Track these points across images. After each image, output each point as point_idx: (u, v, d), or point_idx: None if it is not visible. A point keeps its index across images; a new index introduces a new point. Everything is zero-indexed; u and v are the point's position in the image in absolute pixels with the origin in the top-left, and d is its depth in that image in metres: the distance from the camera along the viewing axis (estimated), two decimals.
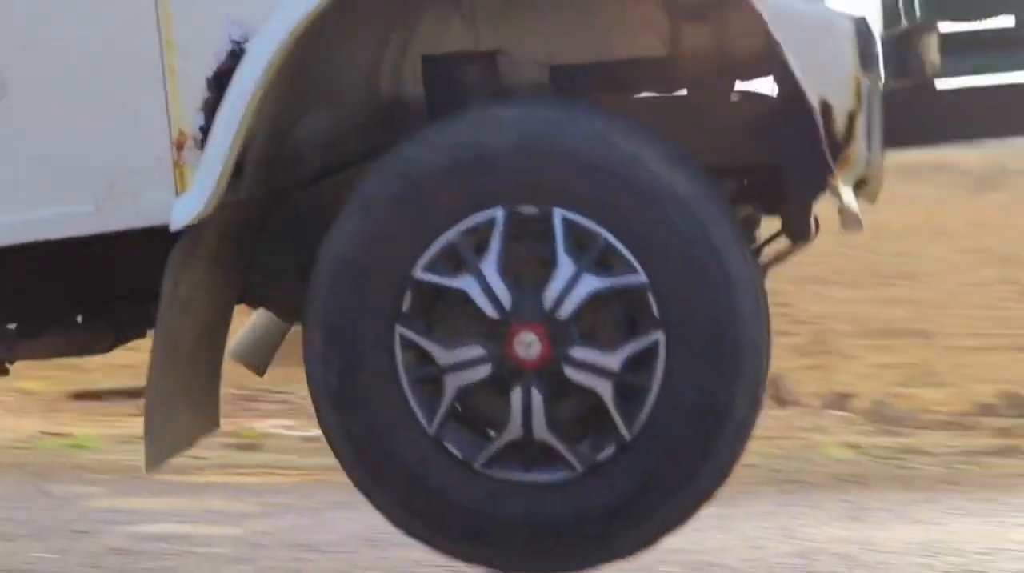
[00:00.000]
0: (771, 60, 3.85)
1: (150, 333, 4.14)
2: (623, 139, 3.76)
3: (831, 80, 3.80)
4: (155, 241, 3.88)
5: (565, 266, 3.75)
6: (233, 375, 4.62)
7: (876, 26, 4.35)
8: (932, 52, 4.30)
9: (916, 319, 10.08)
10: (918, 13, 4.56)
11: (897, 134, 4.25)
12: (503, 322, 3.76)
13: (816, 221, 4.09)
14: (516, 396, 3.77)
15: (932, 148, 4.57)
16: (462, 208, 3.78)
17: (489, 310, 3.77)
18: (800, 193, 4.02)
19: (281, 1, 3.80)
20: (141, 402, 4.01)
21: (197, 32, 3.85)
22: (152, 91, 3.86)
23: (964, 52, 4.30)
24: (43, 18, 3.88)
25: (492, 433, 3.83)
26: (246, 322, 4.90)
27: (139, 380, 4.32)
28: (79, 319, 4.31)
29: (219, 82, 3.85)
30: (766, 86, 4.14)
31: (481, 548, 3.86)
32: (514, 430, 3.77)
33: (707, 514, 3.91)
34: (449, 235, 3.79)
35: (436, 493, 3.82)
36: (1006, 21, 4.46)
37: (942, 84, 4.41)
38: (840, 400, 8.39)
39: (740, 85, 4.21)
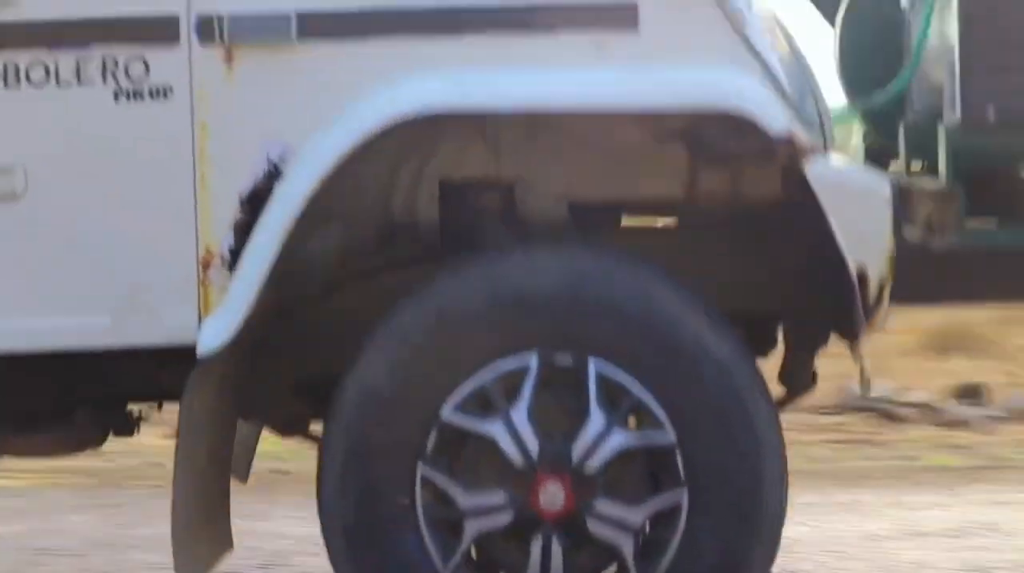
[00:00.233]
0: (804, 214, 3.79)
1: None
2: (666, 296, 3.71)
3: (870, 249, 3.81)
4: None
5: (596, 419, 3.69)
6: None
7: None
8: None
9: None
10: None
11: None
12: (529, 471, 3.69)
13: (815, 373, 4.07)
14: (536, 546, 3.68)
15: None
16: (496, 350, 3.70)
17: (516, 458, 3.69)
18: (809, 345, 4.04)
19: (326, 125, 3.68)
20: None
21: (234, 145, 3.73)
22: (181, 204, 3.72)
23: None
24: (70, 114, 3.72)
25: None
26: None
27: None
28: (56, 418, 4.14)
29: (252, 203, 3.72)
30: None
31: None
32: None
33: None
34: (481, 377, 3.70)
35: None
36: None
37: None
38: None
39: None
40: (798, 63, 4.04)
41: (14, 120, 3.71)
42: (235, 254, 3.71)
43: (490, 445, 3.69)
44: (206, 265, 3.73)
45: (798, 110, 3.89)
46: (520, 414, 3.68)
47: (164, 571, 4.34)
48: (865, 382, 3.87)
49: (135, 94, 3.71)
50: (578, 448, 3.68)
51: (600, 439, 3.68)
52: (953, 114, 4.24)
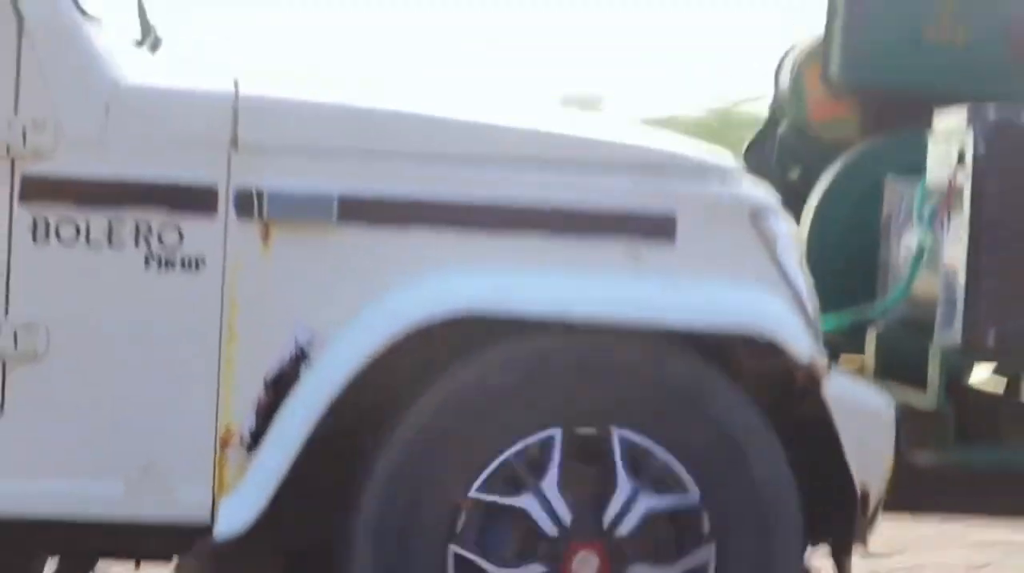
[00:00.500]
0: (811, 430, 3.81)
1: None
2: (683, 366, 3.71)
3: (873, 469, 3.85)
4: None
5: (624, 485, 3.68)
6: None
7: None
8: None
9: None
10: None
11: None
12: (562, 541, 3.67)
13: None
14: None
15: None
16: (520, 427, 3.66)
17: (549, 529, 3.67)
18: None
19: (359, 313, 3.62)
20: None
21: (263, 324, 3.62)
22: (204, 379, 3.60)
23: None
24: (98, 276, 3.59)
25: None
26: None
27: None
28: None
29: (277, 386, 3.62)
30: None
31: None
32: None
33: None
34: (506, 454, 3.65)
35: None
36: None
37: None
38: None
39: None
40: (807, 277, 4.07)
41: (41, 277, 3.58)
42: (255, 436, 3.60)
43: (521, 519, 3.66)
44: (224, 444, 3.61)
45: (817, 331, 3.90)
46: (550, 486, 3.66)
47: None
48: None
49: (167, 262, 3.60)
50: (608, 515, 3.68)
51: (629, 505, 3.68)
52: (950, 336, 4.31)
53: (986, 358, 4.39)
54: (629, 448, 3.67)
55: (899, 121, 5.62)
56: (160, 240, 3.61)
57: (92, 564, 4.07)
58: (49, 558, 4.16)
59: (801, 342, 3.73)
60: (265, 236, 3.63)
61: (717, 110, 16.20)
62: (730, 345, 3.78)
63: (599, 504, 3.67)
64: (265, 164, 3.63)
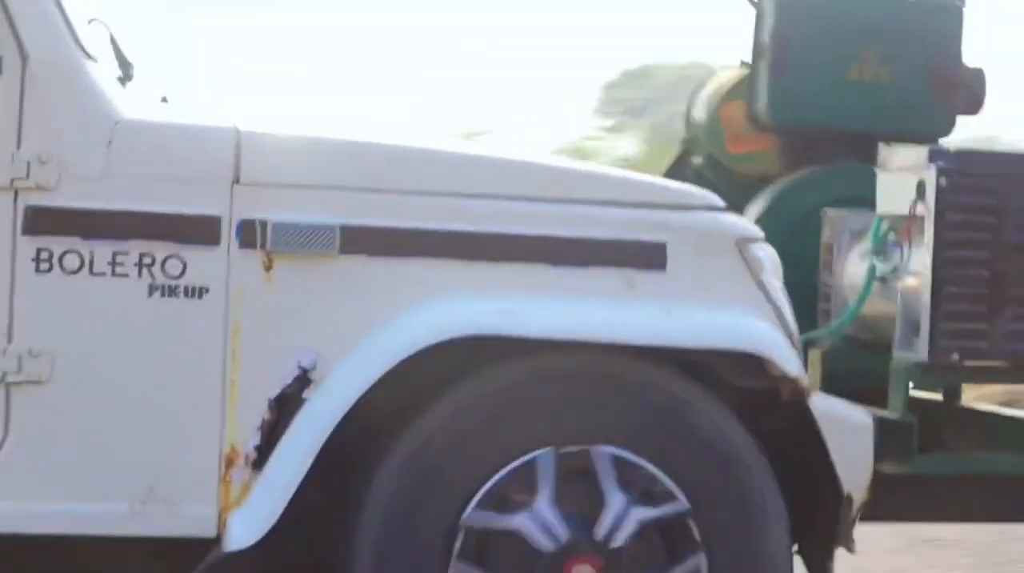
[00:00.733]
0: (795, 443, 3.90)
1: None
2: (674, 385, 3.78)
3: (856, 477, 3.94)
4: None
5: (615, 499, 3.72)
6: None
7: None
8: None
9: None
10: None
11: None
12: (559, 556, 3.71)
13: None
14: None
15: None
16: (511, 448, 3.70)
17: (546, 546, 3.70)
18: None
19: (362, 338, 3.64)
20: None
21: (265, 350, 3.65)
22: (208, 401, 3.63)
23: None
24: (102, 304, 3.60)
25: None
26: None
27: None
28: None
29: (280, 404, 3.65)
30: None
31: None
32: None
33: None
34: (500, 476, 3.69)
35: None
36: None
37: None
38: None
39: None
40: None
41: (45, 305, 3.59)
42: (260, 452, 3.64)
43: (517, 538, 3.69)
44: (230, 462, 3.64)
45: (799, 350, 4.00)
46: (543, 504, 3.70)
47: None
48: None
49: (170, 290, 3.62)
50: (601, 529, 3.72)
51: (621, 517, 3.73)
52: (913, 354, 4.43)
53: (949, 374, 4.51)
54: (617, 463, 3.72)
55: (820, 156, 5.75)
56: (164, 270, 3.63)
57: None
58: None
59: (789, 358, 3.86)
60: (268, 266, 3.67)
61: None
62: (714, 365, 3.86)
63: (592, 519, 3.71)
64: (267, 197, 3.67)
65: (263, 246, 3.65)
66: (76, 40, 3.63)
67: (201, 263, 3.63)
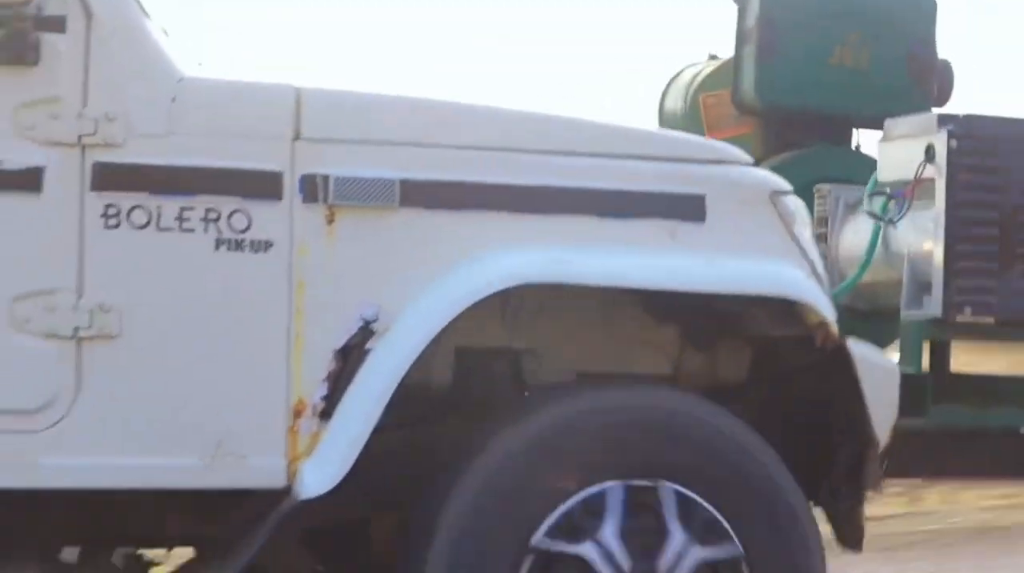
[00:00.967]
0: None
1: None
2: (737, 432, 3.84)
3: (883, 419, 4.01)
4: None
5: (677, 536, 3.77)
6: None
7: None
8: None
9: None
10: None
11: None
12: None
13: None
14: None
15: None
16: (582, 479, 3.74)
17: None
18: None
19: (423, 289, 3.68)
20: None
21: (329, 302, 3.66)
22: (274, 353, 3.63)
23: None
24: (169, 259, 3.60)
25: None
26: None
27: None
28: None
29: (345, 356, 3.66)
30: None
31: None
32: None
33: None
34: (569, 504, 3.72)
35: None
36: None
37: None
38: None
39: None
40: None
41: (114, 260, 3.59)
42: (328, 403, 3.64)
43: (581, 564, 3.71)
44: (297, 414, 3.65)
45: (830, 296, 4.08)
46: (609, 535, 3.74)
47: None
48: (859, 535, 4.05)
49: (236, 245, 3.62)
50: (663, 563, 3.76)
51: (681, 554, 3.78)
52: (924, 312, 4.53)
53: (961, 330, 4.62)
54: (679, 500, 3.79)
55: (797, 140, 5.87)
56: (229, 224, 3.63)
57: (113, 548, 4.02)
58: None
59: (825, 304, 3.94)
60: (330, 219, 3.68)
61: None
62: (744, 316, 3.94)
63: (654, 552, 3.77)
64: (328, 152, 3.69)
65: (325, 200, 3.66)
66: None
67: (265, 218, 3.64)
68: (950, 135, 4.47)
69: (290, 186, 3.65)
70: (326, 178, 3.66)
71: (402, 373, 3.64)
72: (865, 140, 6.19)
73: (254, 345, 3.62)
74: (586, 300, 3.92)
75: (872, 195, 4.70)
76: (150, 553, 4.20)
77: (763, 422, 4.13)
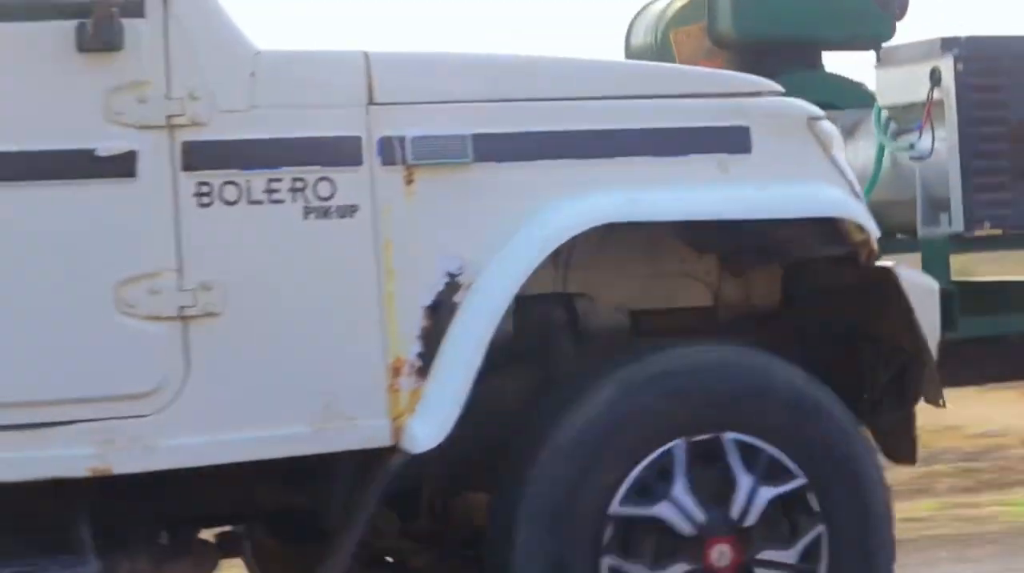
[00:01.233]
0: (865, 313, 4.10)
1: None
2: (783, 372, 3.93)
3: (932, 338, 4.11)
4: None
5: (744, 481, 3.85)
6: None
7: None
8: None
9: None
10: None
11: None
12: (699, 538, 3.82)
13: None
14: None
15: None
16: (650, 442, 3.80)
17: (687, 530, 3.81)
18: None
19: (513, 237, 3.73)
20: None
21: (415, 260, 3.71)
22: (368, 315, 3.67)
23: None
24: (262, 232, 3.62)
25: None
26: None
27: None
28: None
29: (436, 312, 3.71)
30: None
31: None
32: None
33: None
34: (640, 468, 3.79)
35: None
36: None
37: None
38: None
39: None
40: None
41: (209, 238, 3.60)
42: (423, 358, 3.69)
43: (658, 525, 3.79)
44: (396, 372, 3.69)
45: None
46: (681, 491, 3.81)
47: None
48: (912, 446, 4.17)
49: (323, 212, 3.65)
50: (735, 509, 3.85)
51: (751, 497, 3.85)
52: (941, 229, 4.67)
53: (980, 243, 4.76)
54: (741, 447, 3.87)
55: (770, 69, 5.96)
56: (316, 192, 3.65)
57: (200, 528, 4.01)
58: None
59: (870, 222, 4.05)
60: (409, 179, 3.72)
61: None
62: (798, 238, 4.04)
63: (724, 500, 3.85)
64: (401, 114, 3.72)
65: (403, 161, 3.70)
66: None
67: (348, 183, 3.67)
68: (956, 59, 4.61)
69: (368, 150, 3.69)
70: (402, 139, 3.70)
71: (498, 320, 3.70)
72: (829, 63, 6.35)
73: (350, 308, 3.66)
74: (631, 240, 4.00)
75: (886, 127, 4.79)
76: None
77: (797, 343, 4.26)
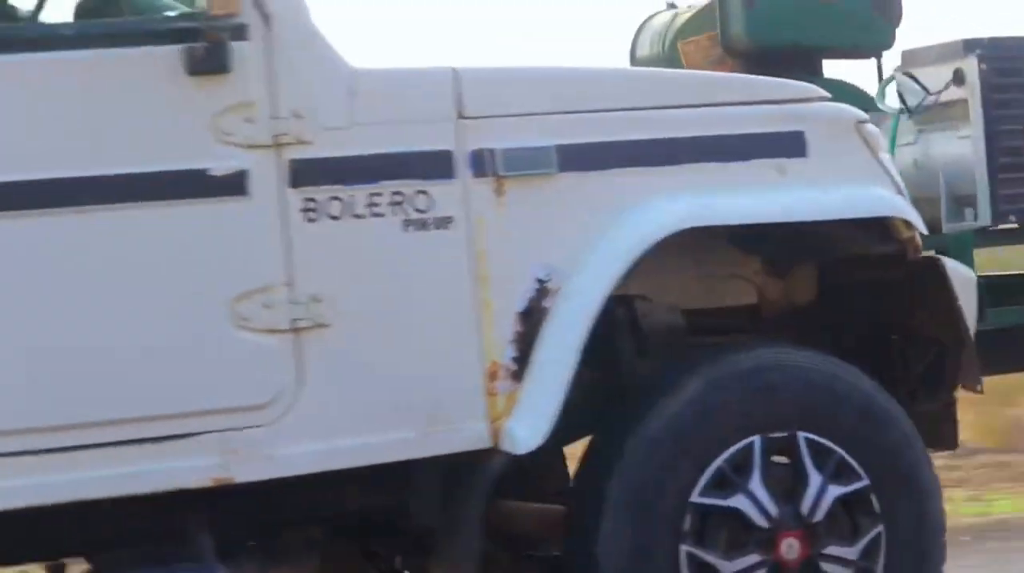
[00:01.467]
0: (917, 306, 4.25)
1: None
2: (851, 378, 4.07)
3: (971, 326, 4.26)
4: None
5: (815, 479, 3.98)
6: None
7: None
8: None
9: None
10: None
11: None
12: (771, 531, 3.94)
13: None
14: None
15: None
16: (729, 438, 3.93)
17: (761, 522, 3.93)
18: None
19: (598, 244, 3.84)
20: None
21: (507, 268, 3.81)
22: (468, 323, 3.77)
23: None
24: (365, 244, 3.71)
25: None
26: None
27: None
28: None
29: (529, 317, 3.81)
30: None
31: None
32: None
33: None
34: (720, 460, 3.92)
35: None
36: None
37: None
38: None
39: None
40: None
41: (317, 252, 3.69)
42: (518, 362, 3.79)
43: (732, 515, 3.92)
44: (492, 377, 3.79)
45: None
46: (757, 485, 3.94)
47: None
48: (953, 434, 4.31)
49: (421, 224, 3.75)
50: (805, 505, 3.97)
51: (820, 495, 3.98)
52: (966, 223, 4.84)
53: (1006, 237, 4.93)
54: (811, 446, 3.99)
55: (780, 74, 6.12)
56: (414, 205, 3.75)
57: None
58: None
59: (918, 219, 4.20)
60: (499, 190, 3.82)
61: None
62: (850, 237, 4.16)
63: (795, 496, 3.97)
64: (489, 127, 3.83)
65: (494, 172, 3.80)
66: None
67: (442, 195, 3.77)
68: (979, 59, 4.78)
69: (461, 163, 3.79)
70: (492, 152, 3.81)
71: (590, 323, 3.81)
72: (828, 70, 6.52)
73: (448, 316, 3.76)
74: (684, 242, 4.09)
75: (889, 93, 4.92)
76: None
77: (835, 337, 4.41)
